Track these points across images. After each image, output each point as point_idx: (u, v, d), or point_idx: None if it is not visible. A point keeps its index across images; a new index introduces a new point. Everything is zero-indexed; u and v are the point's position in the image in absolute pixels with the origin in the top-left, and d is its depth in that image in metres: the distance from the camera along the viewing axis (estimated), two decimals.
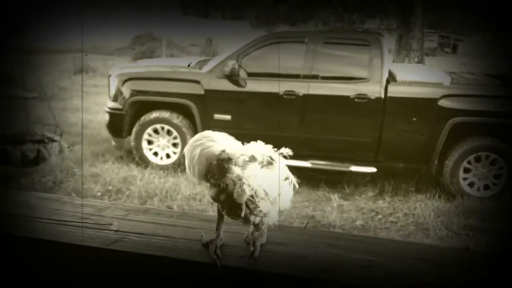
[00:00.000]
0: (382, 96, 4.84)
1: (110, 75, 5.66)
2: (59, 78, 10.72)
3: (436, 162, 4.88)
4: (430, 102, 4.79)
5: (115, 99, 5.46)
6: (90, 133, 6.65)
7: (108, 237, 1.02)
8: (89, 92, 9.54)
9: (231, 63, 5.06)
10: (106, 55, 15.72)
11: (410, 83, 4.93)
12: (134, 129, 5.35)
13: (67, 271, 1.03)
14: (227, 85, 5.17)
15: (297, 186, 0.99)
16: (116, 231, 1.05)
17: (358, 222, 4.28)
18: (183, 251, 0.96)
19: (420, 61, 9.66)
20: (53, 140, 2.93)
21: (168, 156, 5.38)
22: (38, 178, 4.81)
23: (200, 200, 4.55)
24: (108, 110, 5.47)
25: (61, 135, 4.54)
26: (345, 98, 4.94)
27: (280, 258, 0.93)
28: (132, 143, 5.39)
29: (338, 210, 4.48)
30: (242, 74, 5.17)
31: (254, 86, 5.17)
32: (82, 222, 1.09)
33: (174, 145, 5.37)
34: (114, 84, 5.47)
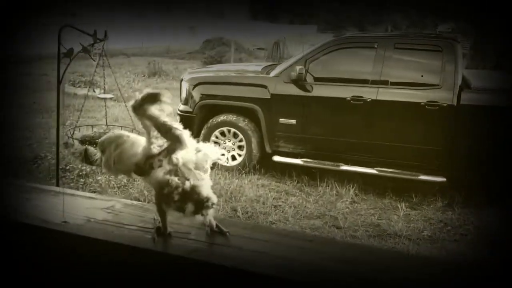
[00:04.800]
0: (455, 103, 4.66)
1: (182, 80, 5.91)
2: (134, 80, 11.28)
3: None
4: (508, 110, 4.55)
5: (185, 102, 5.69)
6: None
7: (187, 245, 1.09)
8: None
9: (298, 68, 5.09)
10: (178, 59, 16.31)
11: (485, 91, 4.71)
12: (203, 132, 5.53)
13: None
14: (294, 90, 5.21)
15: None
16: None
17: (426, 233, 4.15)
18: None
19: (497, 66, 9.16)
20: None
21: (233, 158, 5.51)
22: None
23: (263, 203, 4.62)
24: (179, 112, 5.71)
25: None
26: (416, 105, 4.80)
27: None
28: None
29: (404, 220, 4.37)
30: (309, 79, 5.19)
31: (320, 91, 5.17)
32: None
33: (240, 147, 5.49)
34: (185, 88, 5.70)
